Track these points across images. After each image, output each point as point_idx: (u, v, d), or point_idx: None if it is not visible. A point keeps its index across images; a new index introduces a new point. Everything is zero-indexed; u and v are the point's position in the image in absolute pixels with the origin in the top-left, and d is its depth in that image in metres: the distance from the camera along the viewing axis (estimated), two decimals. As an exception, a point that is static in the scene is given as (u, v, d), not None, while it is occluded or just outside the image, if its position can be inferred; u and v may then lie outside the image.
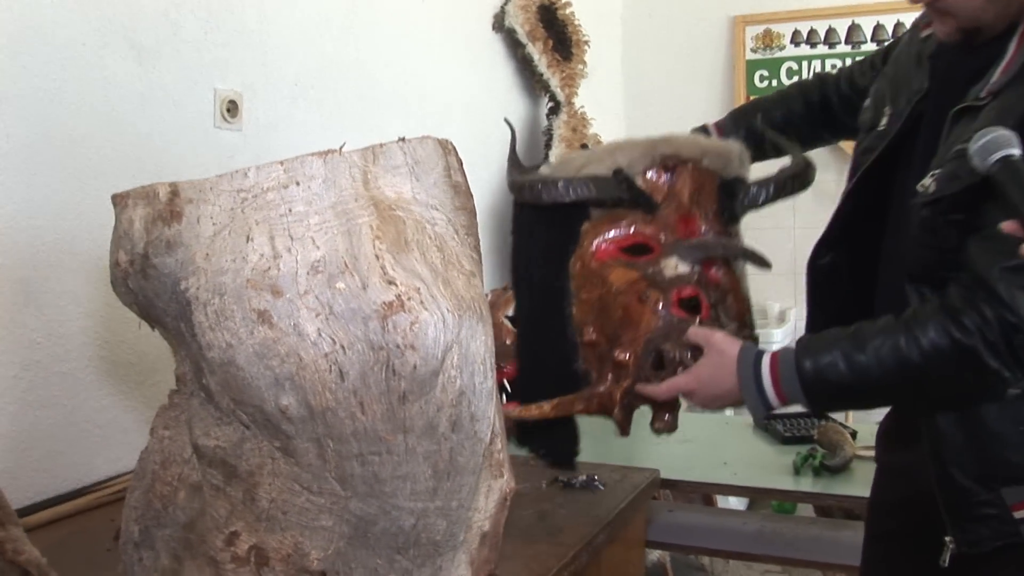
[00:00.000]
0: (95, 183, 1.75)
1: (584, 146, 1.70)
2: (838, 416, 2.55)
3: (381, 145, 1.25)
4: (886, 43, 1.77)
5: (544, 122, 3.46)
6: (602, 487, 1.77)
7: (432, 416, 1.12)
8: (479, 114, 3.13)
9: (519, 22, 3.29)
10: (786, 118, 1.83)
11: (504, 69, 3.34)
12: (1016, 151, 1.14)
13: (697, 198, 1.55)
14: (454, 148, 1.36)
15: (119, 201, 1.17)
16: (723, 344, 1.41)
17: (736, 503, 3.60)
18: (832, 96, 1.78)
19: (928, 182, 1.29)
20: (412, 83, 2.72)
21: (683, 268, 1.52)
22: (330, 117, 2.36)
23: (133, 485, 1.22)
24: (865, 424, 2.71)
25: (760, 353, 1.39)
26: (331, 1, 2.37)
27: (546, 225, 1.64)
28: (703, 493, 2.90)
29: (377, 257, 1.11)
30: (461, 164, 1.36)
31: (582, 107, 3.52)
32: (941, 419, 1.31)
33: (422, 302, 1.10)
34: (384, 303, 1.08)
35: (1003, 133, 1.16)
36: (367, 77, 2.51)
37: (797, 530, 2.15)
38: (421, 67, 2.77)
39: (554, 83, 3.42)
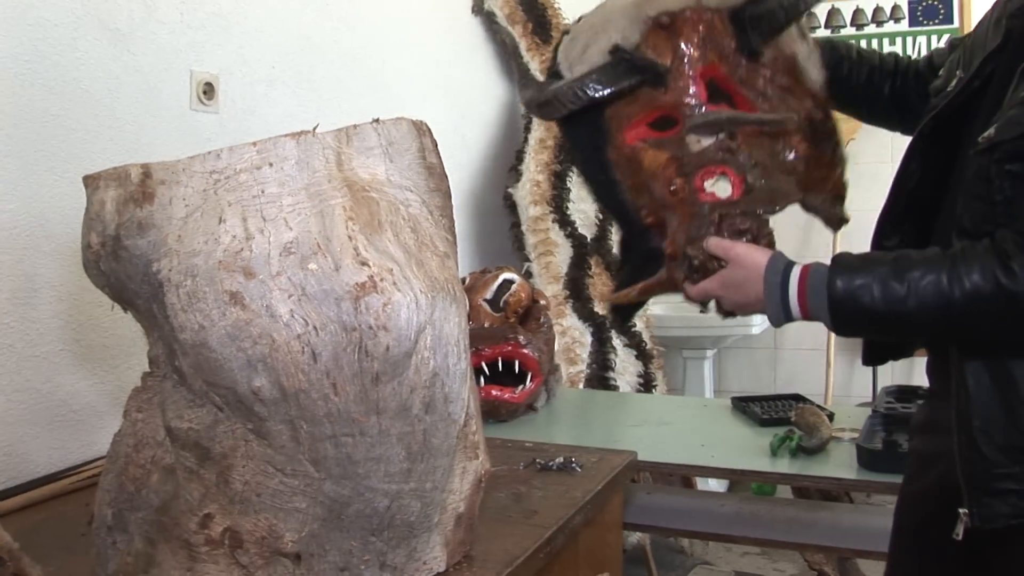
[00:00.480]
0: (68, 166, 1.73)
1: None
2: (815, 398, 2.57)
3: (355, 126, 1.24)
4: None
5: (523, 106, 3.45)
6: (579, 469, 1.77)
7: (405, 397, 1.11)
8: (458, 97, 3.12)
9: (498, 5, 3.28)
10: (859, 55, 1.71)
11: (483, 52, 3.33)
12: None
13: (709, 44, 1.48)
14: (428, 129, 1.36)
15: (90, 183, 1.16)
16: (746, 256, 1.39)
17: (716, 485, 3.62)
18: (909, 68, 1.68)
19: (990, 132, 1.25)
20: (390, 66, 2.71)
21: (706, 141, 1.47)
22: (307, 100, 2.35)
23: (106, 468, 1.22)
24: (842, 407, 2.74)
25: (791, 263, 1.36)
26: (308, -18, 2.36)
27: (573, 127, 1.60)
28: (681, 475, 2.91)
29: (350, 238, 1.11)
30: (436, 145, 1.36)
31: (562, 90, 3.50)
32: (973, 381, 1.28)
33: (395, 283, 1.10)
34: (356, 284, 1.07)
35: None
36: (345, 59, 2.50)
37: (775, 512, 2.16)
38: (400, 50, 2.76)
39: (534, 66, 3.40)
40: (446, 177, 1.36)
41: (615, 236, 3.69)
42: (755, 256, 1.38)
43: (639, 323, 3.65)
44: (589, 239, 3.49)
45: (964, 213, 1.29)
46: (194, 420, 1.13)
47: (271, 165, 1.14)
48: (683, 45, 1.48)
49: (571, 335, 3.22)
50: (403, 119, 1.32)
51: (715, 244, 1.42)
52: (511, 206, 3.22)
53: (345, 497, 1.12)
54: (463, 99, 3.15)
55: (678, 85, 1.48)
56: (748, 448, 2.08)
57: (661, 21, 1.48)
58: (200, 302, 1.07)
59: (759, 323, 3.86)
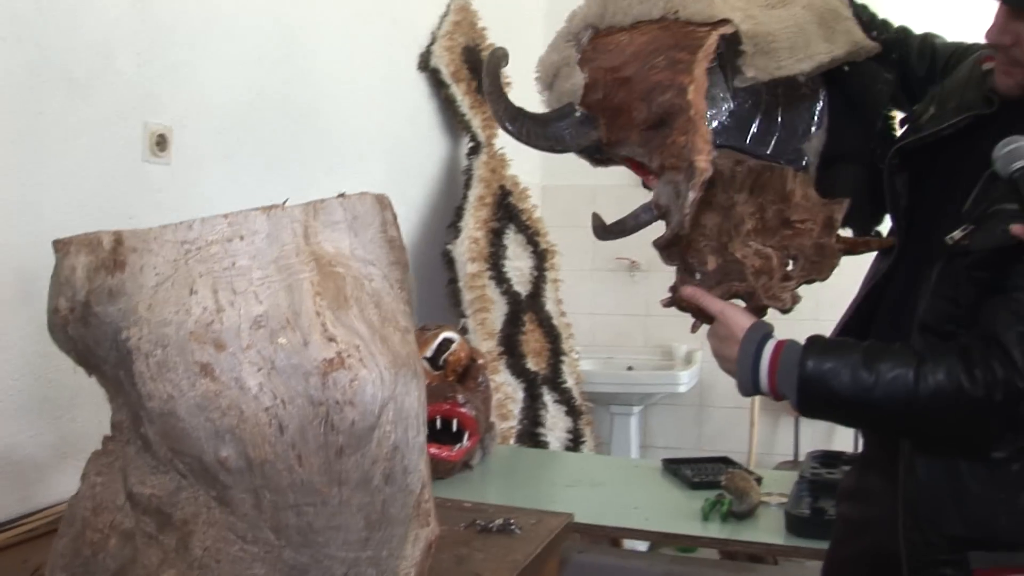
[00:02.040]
0: (21, 217, 1.73)
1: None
2: (739, 455, 2.65)
3: (322, 201, 1.28)
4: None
5: (464, 162, 3.51)
6: (519, 531, 1.81)
7: (367, 469, 1.15)
8: (401, 152, 3.17)
9: (444, 62, 3.34)
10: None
11: (427, 108, 3.38)
12: None
13: (627, 84, 1.48)
14: (390, 203, 1.41)
15: (61, 247, 1.18)
16: (731, 318, 1.42)
17: (640, 543, 3.68)
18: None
19: (958, 234, 1.32)
20: (337, 120, 2.75)
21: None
22: (256, 153, 2.37)
23: (61, 532, 1.22)
24: (767, 470, 2.83)
25: (767, 336, 1.40)
26: (263, 37, 2.39)
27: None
28: (612, 536, 2.96)
29: (318, 313, 1.15)
30: (395, 218, 1.41)
31: (501, 148, 3.58)
32: (924, 473, 1.35)
33: (361, 359, 1.13)
34: (325, 360, 1.11)
35: None
36: (294, 113, 2.53)
37: (703, 572, 2.22)
38: (347, 104, 2.80)
39: (475, 123, 3.48)
40: (404, 249, 1.40)
41: (549, 293, 3.77)
42: (739, 320, 1.42)
43: (569, 379, 3.71)
44: (524, 296, 3.56)
45: (929, 311, 1.37)
46: (157, 486, 1.15)
47: (242, 238, 1.17)
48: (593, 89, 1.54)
49: (504, 391, 3.26)
50: (367, 194, 1.36)
51: (710, 303, 1.46)
52: (449, 262, 3.27)
53: (304, 564, 1.15)
54: (406, 155, 3.20)
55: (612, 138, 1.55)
56: (680, 511, 2.14)
57: (580, 65, 1.56)
58: (170, 372, 1.09)
59: (686, 382, 3.96)
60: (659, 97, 1.41)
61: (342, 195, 1.33)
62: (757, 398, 4.00)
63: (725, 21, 1.44)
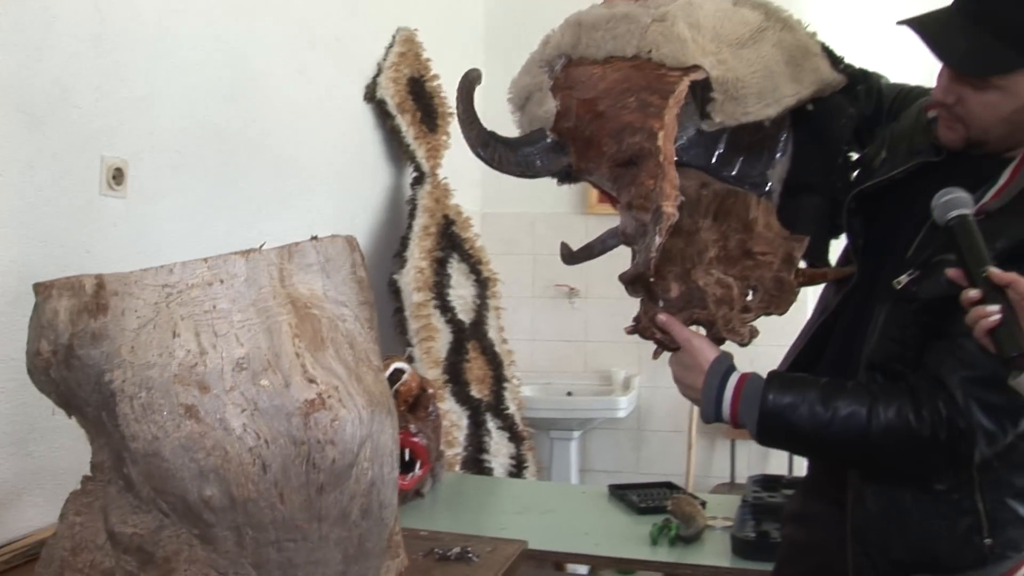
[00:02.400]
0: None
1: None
2: (676, 478, 2.73)
3: (296, 244, 1.32)
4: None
5: (408, 191, 3.56)
6: (476, 559, 1.86)
7: (346, 505, 1.19)
8: (348, 182, 3.20)
9: (389, 94, 3.39)
10: None
11: (373, 139, 3.42)
12: (969, 211, 1.31)
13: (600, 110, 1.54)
14: (358, 244, 1.45)
15: (42, 291, 1.20)
16: (697, 349, 1.49)
17: (580, 567, 3.74)
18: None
19: (905, 279, 1.41)
20: (288, 152, 2.78)
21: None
22: (210, 187, 2.39)
23: (39, 573, 1.24)
24: (706, 493, 2.91)
25: (731, 369, 1.48)
26: (216, 71, 2.41)
27: None
28: (558, 561, 3.02)
29: (297, 355, 1.19)
30: (363, 259, 1.45)
31: (445, 178, 3.63)
32: (873, 503, 1.44)
33: (340, 400, 1.18)
34: (306, 401, 1.15)
35: (962, 195, 1.32)
36: (247, 146, 2.56)
37: (650, 597, 2.29)
38: (297, 136, 2.83)
39: (420, 154, 3.53)
40: (370, 290, 1.45)
41: (492, 320, 3.83)
42: (705, 351, 1.49)
43: (512, 405, 3.77)
44: (467, 324, 3.61)
45: (876, 351, 1.46)
46: (139, 525, 1.17)
47: (222, 282, 1.21)
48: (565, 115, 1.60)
49: (449, 418, 3.30)
50: (338, 237, 1.40)
51: (679, 332, 1.51)
52: (395, 292, 3.30)
53: (283, 600, 1.18)
54: (353, 185, 3.24)
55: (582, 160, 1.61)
56: (629, 536, 2.21)
57: (553, 91, 1.61)
58: (155, 414, 1.12)
59: (624, 406, 4.04)
60: (629, 138, 1.47)
61: (315, 238, 1.38)
62: (694, 423, 4.10)
63: (696, 67, 1.50)
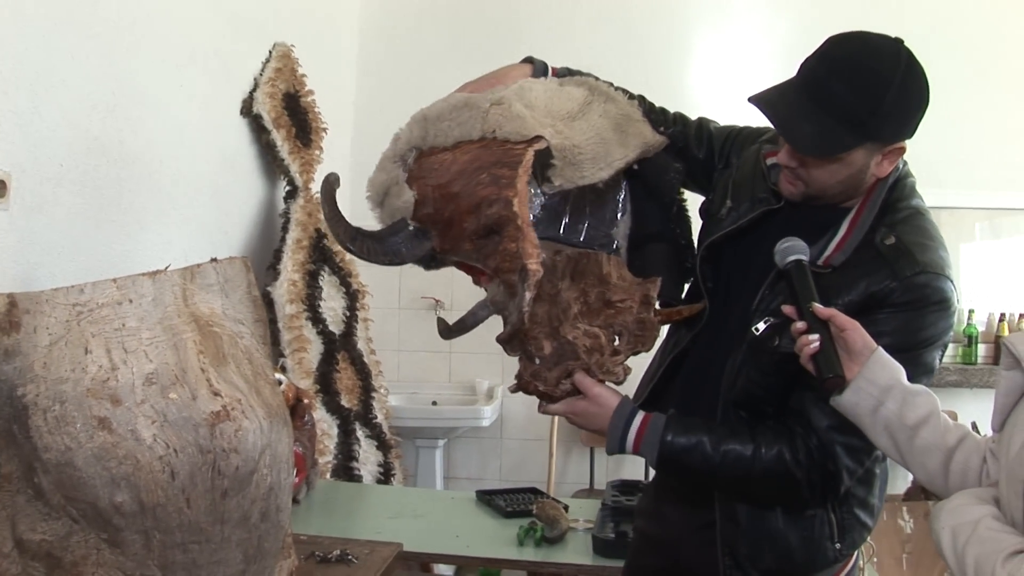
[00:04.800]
0: None
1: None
2: (538, 484, 2.88)
3: (198, 266, 1.42)
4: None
5: (282, 205, 3.62)
6: (355, 561, 1.96)
7: (247, 509, 1.29)
8: (224, 195, 3.25)
9: (266, 109, 3.45)
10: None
11: (248, 152, 3.47)
12: (805, 257, 1.51)
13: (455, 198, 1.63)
14: (251, 265, 1.55)
15: (-46, 309, 1.25)
16: (602, 397, 1.62)
17: (446, 568, 3.87)
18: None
19: (761, 327, 1.58)
20: (167, 166, 2.82)
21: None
22: (91, 199, 2.42)
23: (-56, 578, 1.29)
24: (567, 497, 3.08)
25: (635, 411, 1.62)
26: (97, 84, 2.44)
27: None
28: (420, 562, 3.13)
29: (202, 370, 1.29)
30: (255, 280, 1.55)
31: (317, 192, 3.70)
32: (745, 519, 1.63)
33: (243, 412, 1.28)
34: (212, 412, 1.25)
35: (798, 243, 1.51)
36: (127, 159, 2.59)
37: (516, 596, 2.44)
38: (175, 150, 2.87)
39: (294, 168, 3.59)
40: (264, 307, 1.55)
41: (360, 332, 3.92)
42: (609, 398, 1.63)
43: (380, 414, 3.87)
44: (337, 335, 3.69)
45: (740, 393, 1.62)
46: (48, 532, 1.25)
47: (131, 301, 1.30)
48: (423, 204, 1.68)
49: (320, 427, 3.38)
50: (236, 259, 1.50)
51: (580, 380, 1.63)
52: (269, 303, 3.36)
53: (187, 598, 1.27)
54: (228, 198, 3.28)
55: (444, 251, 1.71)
56: (497, 538, 2.36)
57: (409, 183, 1.70)
58: (68, 426, 1.20)
59: (488, 416, 4.18)
60: (487, 210, 1.58)
61: (214, 260, 1.47)
62: (555, 432, 4.29)
63: (539, 138, 1.62)
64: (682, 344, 1.79)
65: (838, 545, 1.63)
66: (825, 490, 1.57)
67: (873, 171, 1.57)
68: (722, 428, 1.61)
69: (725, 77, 4.39)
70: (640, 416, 1.64)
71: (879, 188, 1.60)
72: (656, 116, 1.90)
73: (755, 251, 1.67)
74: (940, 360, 1.58)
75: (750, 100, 1.57)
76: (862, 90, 1.49)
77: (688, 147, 1.90)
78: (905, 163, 1.65)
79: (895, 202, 1.61)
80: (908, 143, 1.59)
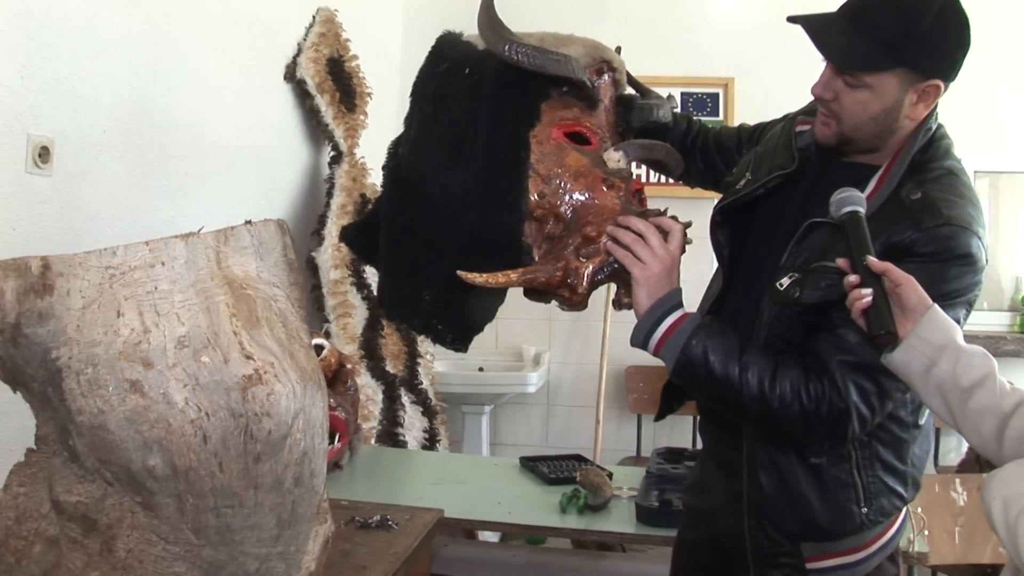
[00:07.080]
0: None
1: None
2: (585, 451, 2.86)
3: (232, 228, 1.40)
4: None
5: (326, 170, 3.62)
6: (395, 526, 1.96)
7: (280, 473, 1.28)
8: (268, 161, 3.25)
9: (309, 74, 3.43)
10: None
11: (292, 118, 3.47)
12: (862, 209, 1.47)
13: (611, 104, 1.81)
14: (288, 228, 1.53)
15: (-12, 271, 1.25)
16: (664, 276, 1.58)
17: (490, 535, 3.87)
18: (710, 140, 2.00)
19: (786, 282, 1.56)
20: (209, 131, 2.82)
21: (623, 163, 1.72)
22: (134, 165, 2.42)
23: (-18, 541, 1.30)
24: (613, 465, 3.06)
25: (674, 307, 1.58)
26: (139, 51, 2.44)
27: (510, 95, 1.71)
28: (463, 528, 3.14)
29: (235, 333, 1.27)
30: (293, 242, 1.53)
31: (362, 157, 3.69)
32: (767, 481, 1.60)
33: (276, 375, 1.26)
34: (244, 376, 1.23)
35: (855, 194, 1.48)
36: (169, 125, 2.59)
37: (560, 560, 2.43)
38: (218, 114, 2.87)
39: (338, 133, 3.58)
40: (299, 271, 1.53)
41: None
42: (671, 279, 1.59)
43: (425, 380, 3.87)
44: (383, 300, 3.68)
45: (764, 346, 1.58)
46: (83, 494, 1.25)
47: (163, 264, 1.28)
48: (603, 92, 1.81)
49: (365, 393, 3.39)
50: (270, 221, 1.48)
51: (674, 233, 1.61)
52: (313, 269, 3.37)
53: (221, 561, 1.27)
54: (272, 164, 3.28)
55: (599, 114, 1.79)
56: (540, 505, 2.34)
57: (600, 68, 1.80)
58: (101, 388, 1.19)
59: (534, 382, 4.16)
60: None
61: (248, 222, 1.45)
62: (603, 398, 4.26)
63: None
64: (704, 309, 1.78)
65: (864, 509, 1.60)
66: (833, 429, 1.52)
67: (907, 112, 1.55)
68: (750, 348, 1.57)
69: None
70: (674, 316, 1.58)
71: (908, 145, 1.57)
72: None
73: (777, 216, 1.67)
74: (966, 319, 1.53)
75: (790, 19, 1.58)
76: (899, 11, 1.49)
77: (720, 139, 1.98)
78: (940, 125, 1.62)
79: (927, 162, 1.57)
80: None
